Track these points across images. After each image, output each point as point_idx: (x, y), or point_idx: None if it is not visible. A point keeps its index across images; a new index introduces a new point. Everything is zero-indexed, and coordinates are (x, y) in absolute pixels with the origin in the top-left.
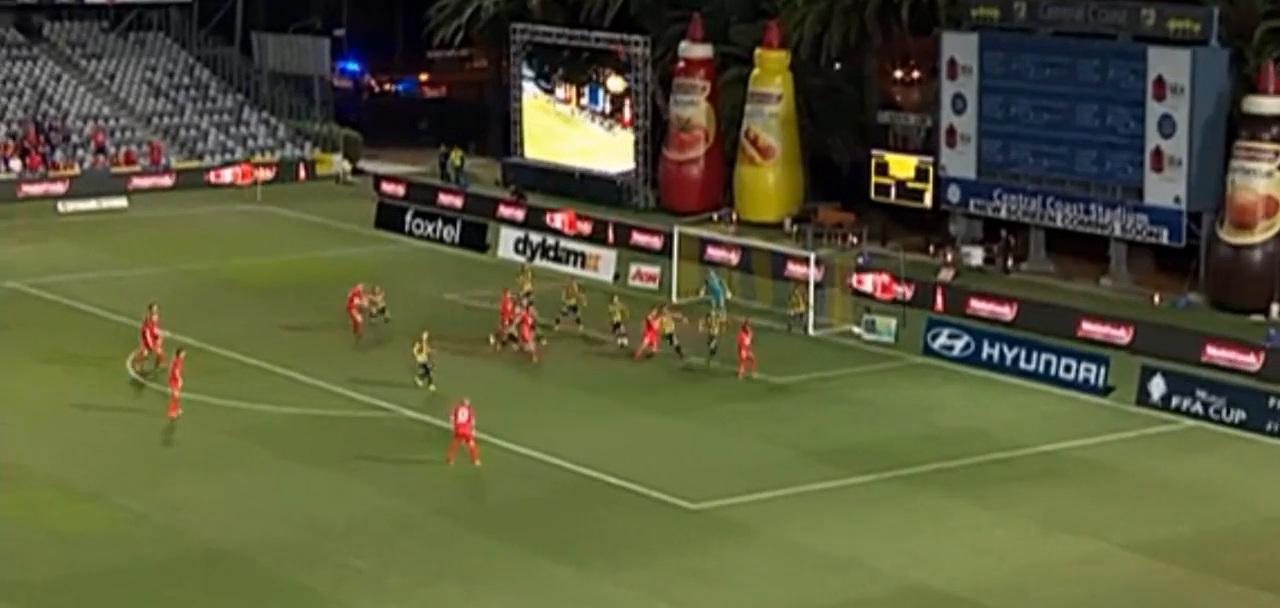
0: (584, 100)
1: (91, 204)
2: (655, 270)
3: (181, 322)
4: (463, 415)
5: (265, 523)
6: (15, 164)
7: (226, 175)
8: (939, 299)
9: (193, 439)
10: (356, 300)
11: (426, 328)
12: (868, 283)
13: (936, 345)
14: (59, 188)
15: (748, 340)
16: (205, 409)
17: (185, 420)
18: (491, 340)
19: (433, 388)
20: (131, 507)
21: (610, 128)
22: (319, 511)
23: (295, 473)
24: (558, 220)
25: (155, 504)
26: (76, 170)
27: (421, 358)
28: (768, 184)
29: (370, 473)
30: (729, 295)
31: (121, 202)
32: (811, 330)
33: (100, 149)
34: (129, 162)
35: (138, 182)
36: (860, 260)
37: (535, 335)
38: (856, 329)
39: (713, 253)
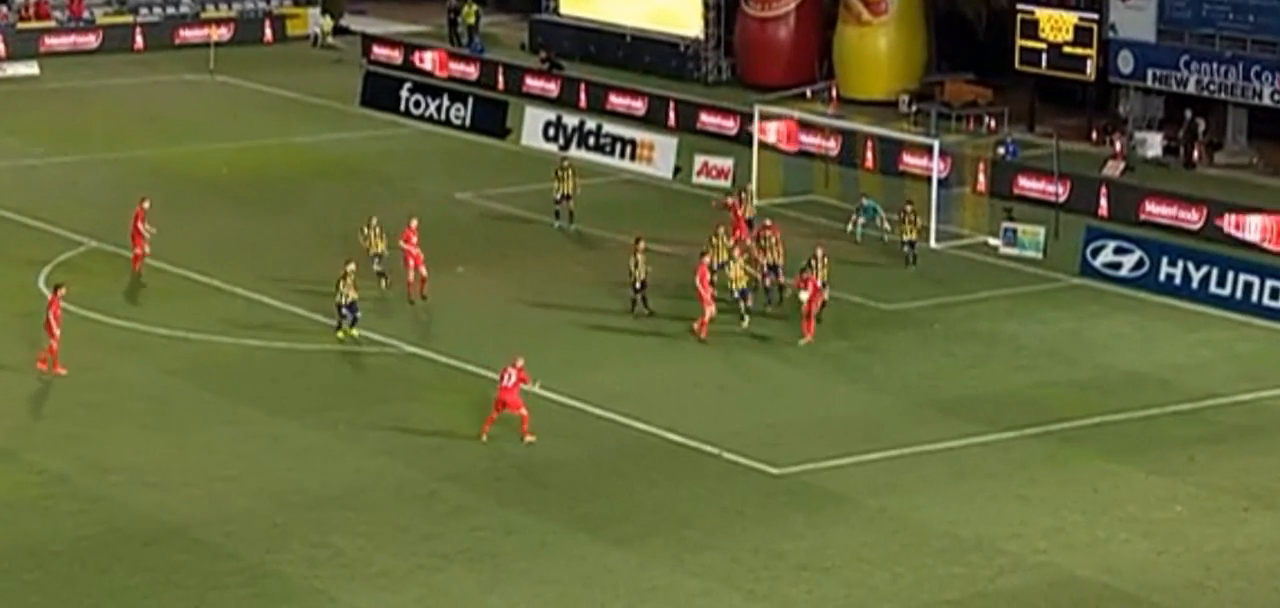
0: None
1: None
2: (727, 164)
3: (109, 226)
4: (509, 378)
5: (220, 490)
6: None
7: (169, 35)
8: (1103, 202)
9: (127, 381)
10: (415, 240)
11: (349, 259)
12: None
13: (1099, 263)
14: None
15: (816, 289)
16: (143, 342)
17: (117, 359)
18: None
19: (356, 332)
20: (47, 467)
21: None
22: (290, 474)
23: (259, 425)
24: (602, 98)
25: (78, 464)
26: None
27: (348, 296)
28: (878, 50)
29: (357, 426)
30: (888, 227)
31: (31, 68)
32: (934, 242)
33: None
34: (41, 15)
35: (52, 41)
36: (1001, 150)
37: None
38: (992, 240)
39: (805, 140)
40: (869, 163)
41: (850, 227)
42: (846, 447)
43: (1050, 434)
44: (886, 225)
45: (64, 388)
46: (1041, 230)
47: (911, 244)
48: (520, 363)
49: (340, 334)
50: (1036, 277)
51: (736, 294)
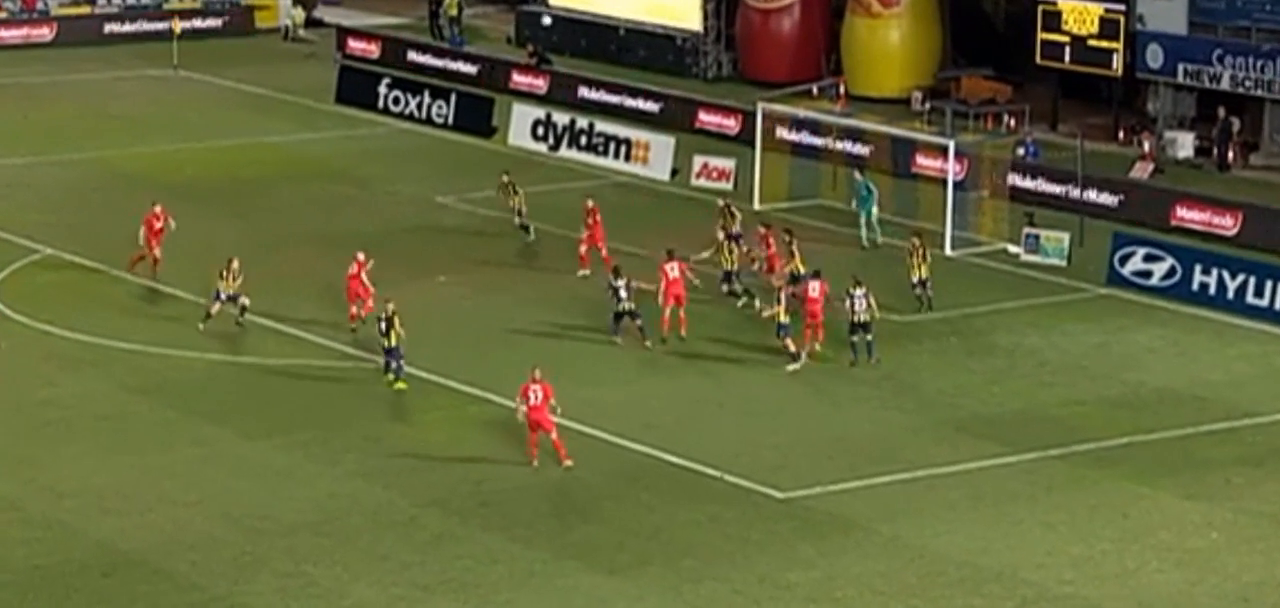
0: None
1: None
2: (729, 165)
3: (63, 232)
4: (536, 395)
5: (183, 515)
6: None
7: (129, 27)
8: (1131, 205)
9: (84, 399)
10: (364, 275)
11: (388, 298)
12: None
13: (1128, 271)
14: None
15: (820, 297)
16: (101, 356)
17: (73, 375)
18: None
19: (402, 385)
20: None
21: None
22: (260, 498)
23: (226, 446)
24: (593, 93)
25: (31, 489)
26: None
27: (393, 338)
28: (890, 44)
29: (333, 447)
30: (877, 217)
31: None
32: (950, 250)
33: None
34: None
35: (3, 34)
36: (1021, 151)
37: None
38: (1013, 248)
39: (810, 140)
40: (880, 164)
41: (853, 203)
42: (858, 469)
43: (1077, 455)
44: (877, 211)
45: (16, 406)
46: (1065, 237)
47: (923, 283)
48: (538, 373)
49: (399, 384)
50: (1060, 286)
51: (778, 332)
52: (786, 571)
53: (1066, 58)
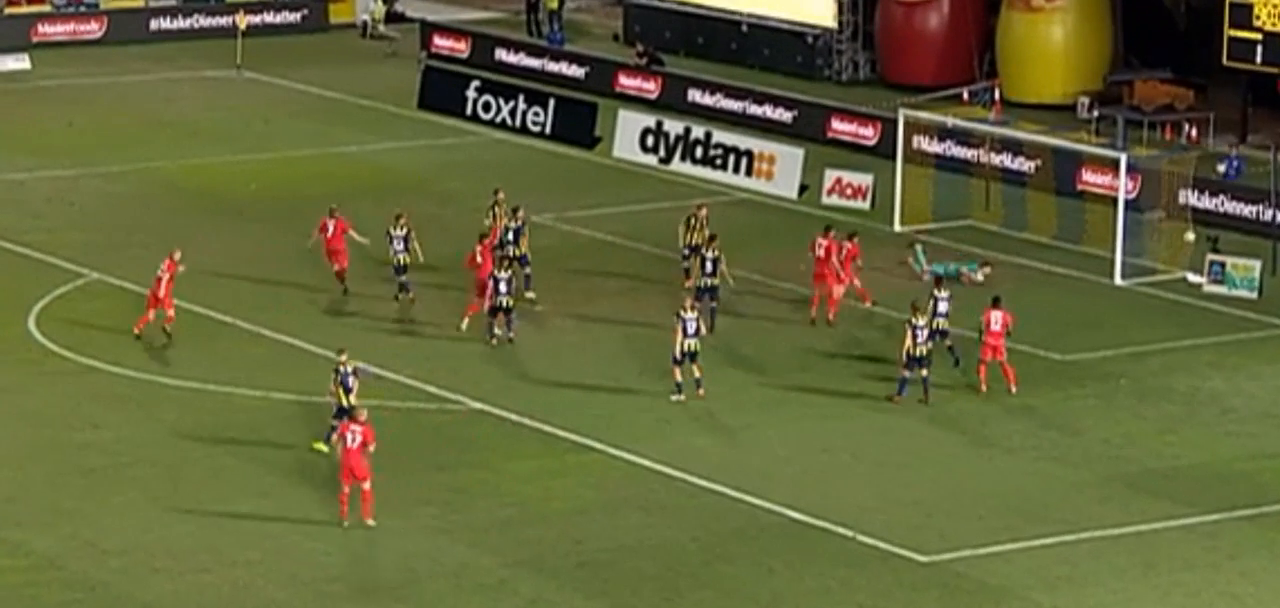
0: None
1: None
2: (865, 181)
3: (109, 254)
4: (354, 437)
5: (242, 577)
6: None
7: (186, 23)
8: None
9: (132, 443)
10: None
11: (342, 349)
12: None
13: None
14: None
15: (1003, 329)
16: (151, 395)
17: (120, 416)
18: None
19: (325, 447)
20: (34, 547)
21: None
22: (328, 558)
23: (290, 498)
24: (711, 99)
25: (72, 544)
26: None
27: (341, 398)
28: (1053, 42)
29: (410, 499)
30: (927, 268)
31: (21, 61)
32: (1120, 278)
33: None
34: None
35: (47, 29)
36: (1222, 168)
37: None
38: (1194, 277)
39: (959, 152)
40: (1040, 181)
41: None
42: (1012, 529)
43: (1267, 517)
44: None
45: (56, 452)
46: (1256, 265)
47: (937, 335)
48: (364, 416)
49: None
50: (1249, 322)
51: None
52: None
53: (1258, 58)
